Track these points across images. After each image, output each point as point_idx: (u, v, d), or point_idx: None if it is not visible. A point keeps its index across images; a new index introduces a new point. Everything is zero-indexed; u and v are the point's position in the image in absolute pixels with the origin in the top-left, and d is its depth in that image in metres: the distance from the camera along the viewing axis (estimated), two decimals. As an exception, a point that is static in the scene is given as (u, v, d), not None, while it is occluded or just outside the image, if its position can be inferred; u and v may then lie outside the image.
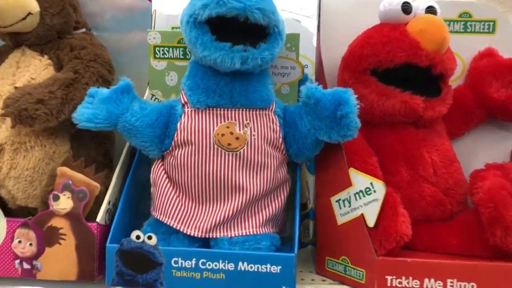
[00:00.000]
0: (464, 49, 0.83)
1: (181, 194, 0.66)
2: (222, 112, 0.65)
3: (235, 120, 0.65)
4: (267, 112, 0.67)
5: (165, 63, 0.76)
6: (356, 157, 0.67)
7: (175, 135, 0.65)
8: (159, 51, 0.76)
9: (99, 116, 0.65)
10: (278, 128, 0.67)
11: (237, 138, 0.64)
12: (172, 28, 0.87)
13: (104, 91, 0.67)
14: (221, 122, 0.65)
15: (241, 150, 0.64)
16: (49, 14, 0.76)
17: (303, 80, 0.77)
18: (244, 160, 0.64)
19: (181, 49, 0.76)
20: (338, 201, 0.67)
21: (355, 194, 0.64)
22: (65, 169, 0.62)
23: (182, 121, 0.65)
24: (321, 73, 0.77)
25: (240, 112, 0.65)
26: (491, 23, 0.84)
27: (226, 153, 0.64)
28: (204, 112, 0.65)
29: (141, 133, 0.66)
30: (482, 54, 0.82)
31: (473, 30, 0.85)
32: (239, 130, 0.64)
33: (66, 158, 0.67)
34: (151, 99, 0.76)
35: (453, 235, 0.67)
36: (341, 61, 0.77)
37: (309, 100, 0.63)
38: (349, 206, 0.65)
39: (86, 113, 0.65)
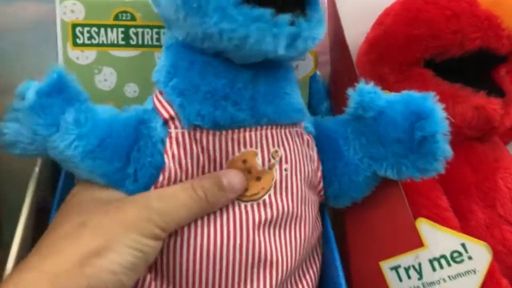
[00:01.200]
0: None
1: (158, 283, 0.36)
2: (238, 134, 0.36)
3: (257, 146, 0.36)
4: (299, 130, 0.40)
5: (94, 54, 0.45)
6: (422, 199, 0.42)
7: (150, 175, 0.36)
8: (81, 33, 0.44)
9: (23, 137, 0.35)
10: (316, 156, 0.41)
11: (258, 179, 0.36)
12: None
13: (31, 90, 0.35)
14: (234, 154, 0.36)
15: (265, 197, 0.37)
16: None
17: (314, 76, 0.50)
18: (270, 214, 0.37)
19: (120, 29, 0.45)
20: (396, 268, 0.41)
21: (432, 261, 0.39)
22: None
23: (168, 152, 0.35)
24: (347, 58, 0.47)
25: (265, 132, 0.37)
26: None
27: (242, 204, 0.36)
28: (206, 138, 0.35)
29: (78, 168, 0.36)
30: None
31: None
32: (263, 165, 0.37)
33: None
34: (71, 113, 0.45)
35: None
36: (365, 47, 0.51)
37: (365, 113, 0.37)
38: (420, 279, 0.40)
39: (11, 130, 0.35)
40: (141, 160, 0.36)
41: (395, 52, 0.47)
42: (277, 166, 0.37)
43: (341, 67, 0.49)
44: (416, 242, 0.39)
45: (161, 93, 0.37)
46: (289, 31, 0.32)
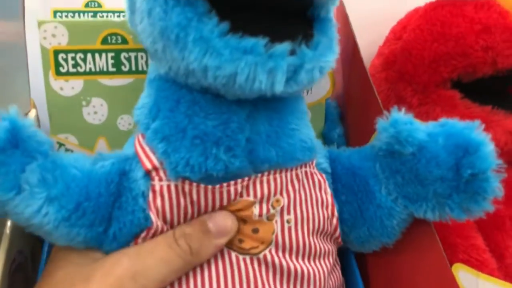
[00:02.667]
0: None
1: None
2: (233, 187, 0.29)
3: (255, 196, 0.30)
4: (308, 170, 0.33)
5: (80, 83, 0.39)
6: (457, 239, 0.37)
7: (132, 234, 0.30)
8: (65, 61, 0.38)
9: None
10: (330, 199, 0.34)
11: (255, 231, 0.31)
12: (55, 12, 0.53)
13: None
14: (229, 202, 0.30)
15: (266, 252, 0.31)
16: None
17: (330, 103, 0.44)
18: (272, 272, 0.31)
19: (110, 54, 0.39)
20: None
21: (472, 313, 0.34)
22: None
23: (152, 208, 0.29)
24: (359, 67, 0.41)
25: (266, 179, 0.31)
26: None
27: (240, 257, 0.30)
28: (197, 190, 0.29)
29: (51, 235, 0.29)
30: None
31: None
32: (260, 216, 0.30)
33: None
34: (57, 150, 0.39)
35: None
36: (379, 62, 0.46)
37: (402, 148, 0.32)
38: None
39: None
40: (121, 219, 0.30)
41: (419, 72, 0.41)
42: (277, 217, 0.31)
43: (355, 87, 0.43)
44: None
45: (142, 136, 0.30)
46: (288, 63, 0.25)
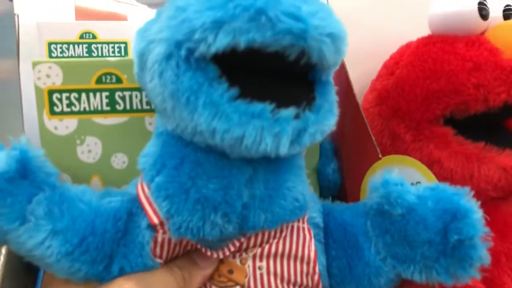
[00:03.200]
0: None
1: None
2: (220, 248, 0.32)
3: (234, 245, 0.32)
4: (295, 225, 0.34)
5: (75, 123, 0.39)
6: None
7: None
8: (59, 100, 0.38)
9: None
10: (312, 256, 0.34)
11: (230, 272, 0.32)
12: (49, 44, 0.49)
13: None
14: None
15: None
16: None
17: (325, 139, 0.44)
18: None
19: (104, 93, 0.39)
20: None
21: None
22: None
23: (157, 253, 0.31)
24: (353, 106, 0.41)
25: (247, 238, 0.32)
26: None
27: None
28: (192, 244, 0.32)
29: (51, 267, 0.30)
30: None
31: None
32: (234, 258, 0.33)
33: None
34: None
35: None
36: (372, 97, 0.46)
37: (392, 209, 0.32)
38: None
39: None
40: (130, 258, 0.30)
41: (411, 109, 0.41)
42: (249, 262, 0.32)
43: (349, 122, 0.43)
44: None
45: (148, 187, 0.31)
46: (293, 127, 0.26)
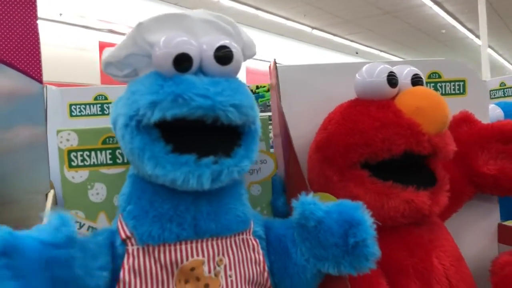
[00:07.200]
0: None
1: None
2: (184, 247, 0.41)
3: (204, 255, 0.42)
4: (245, 237, 0.45)
5: (86, 173, 0.51)
6: (364, 284, 0.47)
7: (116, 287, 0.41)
8: (75, 157, 0.51)
9: None
10: (261, 258, 0.45)
11: (206, 286, 0.41)
12: (70, 105, 0.62)
13: (31, 245, 0.34)
14: (183, 262, 0.41)
15: None
16: None
17: (276, 177, 0.56)
18: None
19: (108, 151, 0.51)
20: None
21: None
22: None
23: (125, 266, 0.41)
24: (294, 160, 0.53)
25: (209, 244, 0.42)
26: (461, 83, 0.70)
27: None
28: (158, 251, 0.41)
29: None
30: (458, 120, 0.67)
31: (444, 92, 0.70)
32: (209, 272, 0.42)
33: None
34: (69, 223, 0.50)
35: None
36: (313, 147, 0.57)
37: (307, 222, 0.43)
38: None
39: None
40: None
41: (336, 157, 0.53)
42: (222, 273, 0.42)
43: (291, 167, 0.54)
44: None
45: (122, 215, 0.43)
46: (212, 170, 0.38)
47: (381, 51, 8.46)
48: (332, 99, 0.60)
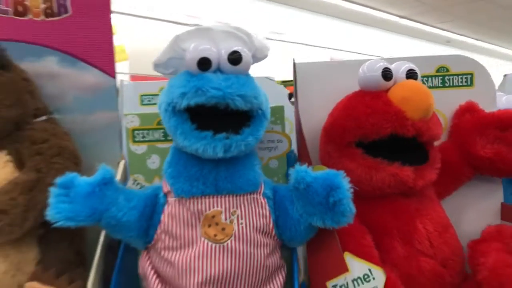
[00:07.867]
0: (445, 104, 0.75)
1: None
2: (207, 200, 0.56)
3: (222, 207, 0.56)
4: (255, 196, 0.58)
5: (145, 147, 0.68)
6: (350, 238, 0.59)
7: (158, 227, 0.57)
8: (138, 134, 0.68)
9: (81, 213, 0.53)
10: (268, 213, 0.59)
11: (223, 229, 0.56)
12: (141, 96, 0.80)
13: (82, 183, 0.54)
14: (206, 211, 0.56)
15: (228, 242, 0.55)
16: (4, 107, 0.62)
17: (290, 153, 0.69)
18: (231, 253, 0.55)
19: (161, 131, 0.68)
20: (335, 286, 0.58)
21: (353, 281, 0.56)
22: (35, 285, 0.53)
23: (166, 212, 0.57)
24: (303, 142, 0.67)
25: (226, 199, 0.57)
26: (469, 76, 0.77)
27: (213, 245, 0.55)
28: (189, 202, 0.56)
29: (127, 228, 0.57)
30: (463, 109, 0.75)
31: (451, 84, 0.78)
32: (225, 219, 0.56)
33: (34, 271, 0.57)
34: (133, 184, 0.68)
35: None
36: (322, 131, 0.70)
37: (299, 185, 0.55)
38: (348, 293, 0.56)
39: (65, 210, 0.52)
40: (155, 216, 0.58)
41: (336, 138, 0.65)
42: (235, 221, 0.56)
43: (300, 145, 0.67)
44: (345, 268, 0.56)
45: (164, 176, 0.59)
46: (224, 143, 0.52)
47: (476, 39, 7.67)
48: (344, 92, 0.71)
